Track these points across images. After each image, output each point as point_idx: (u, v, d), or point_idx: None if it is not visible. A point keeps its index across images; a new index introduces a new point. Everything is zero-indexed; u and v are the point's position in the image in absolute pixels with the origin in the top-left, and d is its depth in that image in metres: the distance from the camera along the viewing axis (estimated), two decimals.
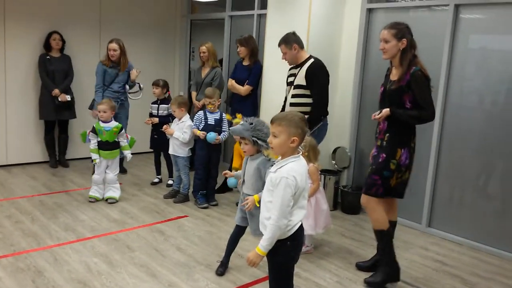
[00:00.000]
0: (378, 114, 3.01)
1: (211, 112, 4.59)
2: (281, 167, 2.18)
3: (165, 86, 5.22)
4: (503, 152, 3.77)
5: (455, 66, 3.99)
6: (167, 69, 7.04)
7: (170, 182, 5.24)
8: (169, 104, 4.94)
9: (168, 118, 5.05)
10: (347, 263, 3.52)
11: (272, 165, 2.84)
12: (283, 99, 4.12)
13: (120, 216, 4.27)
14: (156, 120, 5.11)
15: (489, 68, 3.83)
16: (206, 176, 4.66)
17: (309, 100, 3.82)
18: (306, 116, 3.84)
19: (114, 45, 5.30)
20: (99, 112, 4.53)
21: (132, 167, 5.88)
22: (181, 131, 4.63)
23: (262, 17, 5.69)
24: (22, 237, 3.67)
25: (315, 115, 3.82)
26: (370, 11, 4.63)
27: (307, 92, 3.81)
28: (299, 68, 3.87)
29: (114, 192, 4.65)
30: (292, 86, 3.89)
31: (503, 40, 3.79)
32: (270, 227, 2.13)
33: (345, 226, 4.33)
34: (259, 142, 2.90)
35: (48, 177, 5.45)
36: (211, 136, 4.42)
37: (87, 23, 6.15)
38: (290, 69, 4.05)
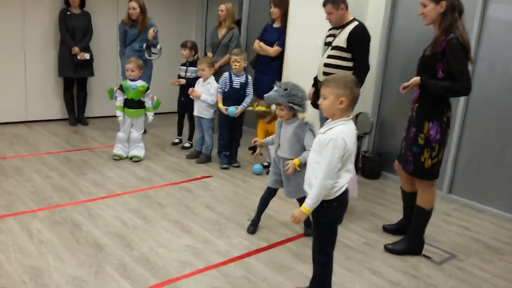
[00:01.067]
0: (406, 84, 2.92)
1: (237, 75, 4.59)
2: (330, 128, 2.20)
3: (193, 47, 5.16)
4: None
5: (484, 35, 3.96)
6: (184, 28, 6.96)
7: (187, 145, 5.25)
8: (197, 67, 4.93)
9: (195, 81, 4.95)
10: (373, 225, 3.61)
11: (310, 128, 2.89)
12: (319, 61, 4.09)
13: (146, 174, 4.34)
14: (183, 81, 5.09)
15: None
16: (229, 137, 4.71)
17: (345, 63, 3.76)
18: None
19: (133, 4, 5.26)
20: (127, 70, 4.52)
21: (152, 127, 5.91)
22: (207, 93, 4.63)
23: None
24: (53, 191, 3.74)
25: (361, 76, 3.73)
26: None
27: (345, 55, 3.74)
28: (340, 30, 3.79)
29: (138, 151, 4.69)
30: (330, 47, 3.84)
31: None
32: (316, 186, 2.17)
33: (367, 190, 4.39)
34: (295, 107, 2.89)
35: (69, 134, 5.49)
36: (231, 110, 4.49)
37: None
38: (330, 29, 3.97)
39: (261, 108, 4.34)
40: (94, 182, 4.01)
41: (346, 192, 2.30)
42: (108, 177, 4.18)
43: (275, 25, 5.05)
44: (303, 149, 2.99)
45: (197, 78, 4.95)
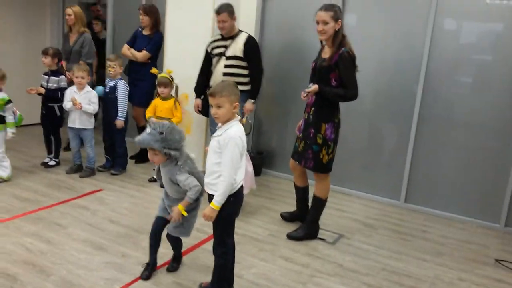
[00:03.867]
0: (307, 90, 3.30)
1: (111, 80, 4.62)
2: (226, 130, 2.43)
3: (56, 55, 4.74)
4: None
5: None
6: (38, 35, 6.45)
7: (52, 163, 4.86)
8: (60, 76, 4.69)
9: (57, 93, 4.69)
10: (270, 218, 3.98)
11: (179, 170, 2.69)
12: (201, 69, 4.32)
13: (28, 194, 4.02)
14: (42, 90, 4.69)
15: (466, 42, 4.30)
16: (111, 141, 4.78)
17: (243, 71, 4.07)
18: (245, 88, 4.16)
19: None
20: None
21: (16, 143, 5.38)
22: (87, 102, 4.47)
23: None
24: None
25: (258, 86, 4.14)
26: None
27: (242, 63, 4.04)
28: (230, 40, 4.05)
29: (1, 170, 4.28)
30: (225, 57, 4.05)
31: (379, 23, 4.54)
32: (222, 183, 2.40)
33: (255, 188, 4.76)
34: (172, 152, 2.57)
35: None
36: (99, 89, 4.61)
37: None
38: (214, 42, 4.19)
39: (164, 75, 4.40)
40: None
41: (241, 188, 2.57)
42: None
43: (144, 33, 5.08)
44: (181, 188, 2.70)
45: (59, 89, 4.69)
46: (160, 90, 4.41)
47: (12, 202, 3.82)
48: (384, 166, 4.64)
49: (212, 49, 4.24)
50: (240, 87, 4.08)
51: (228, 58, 4.09)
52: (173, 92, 4.51)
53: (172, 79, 4.44)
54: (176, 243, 2.94)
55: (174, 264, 2.99)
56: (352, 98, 3.29)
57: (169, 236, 2.88)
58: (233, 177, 2.41)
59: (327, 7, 3.23)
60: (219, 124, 2.49)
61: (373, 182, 4.70)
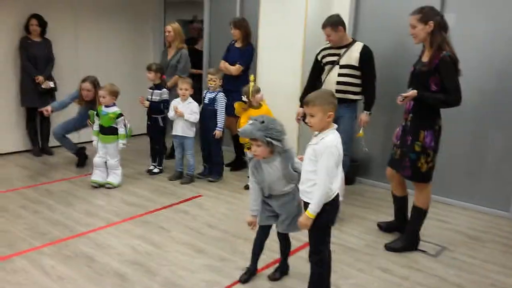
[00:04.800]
0: (404, 95, 3.18)
1: (210, 91, 4.82)
2: (322, 138, 2.42)
3: (159, 70, 5.07)
4: None
5: None
6: (142, 51, 6.96)
7: (156, 170, 5.16)
8: (162, 90, 5.00)
9: (160, 105, 5.01)
10: (366, 228, 3.88)
11: (292, 153, 2.74)
12: (309, 77, 4.31)
13: (135, 200, 4.33)
14: (147, 103, 5.05)
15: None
16: (209, 150, 5.00)
17: (356, 80, 4.00)
18: (358, 97, 4.11)
19: (87, 85, 5.02)
20: (100, 96, 4.52)
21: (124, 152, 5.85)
22: (190, 111, 4.74)
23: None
24: (50, 226, 3.65)
25: (374, 96, 4.07)
26: None
27: (356, 72, 3.97)
28: (345, 49, 4.00)
29: (113, 177, 4.64)
30: (338, 66, 4.01)
31: (484, 24, 4.24)
32: (318, 192, 2.39)
33: (345, 195, 4.67)
34: (274, 142, 2.55)
35: (39, 165, 5.31)
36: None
37: (62, 6, 5.93)
38: (325, 49, 4.15)
39: (251, 85, 4.45)
40: (86, 212, 3.96)
41: (337, 196, 2.53)
42: (99, 205, 4.13)
43: (237, 45, 5.26)
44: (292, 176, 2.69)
45: (161, 101, 4.99)
46: (258, 96, 4.44)
47: (121, 207, 4.13)
48: (491, 175, 4.31)
49: (323, 57, 4.17)
50: (353, 97, 4.12)
51: (342, 66, 4.03)
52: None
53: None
54: (287, 243, 2.95)
55: (277, 274, 2.99)
56: (454, 104, 3.12)
57: (280, 236, 2.91)
58: (328, 185, 2.40)
59: (416, 10, 3.16)
60: (315, 132, 2.50)
61: (479, 192, 4.38)
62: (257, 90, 4.47)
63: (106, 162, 4.63)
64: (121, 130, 4.61)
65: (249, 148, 4.43)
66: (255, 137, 2.56)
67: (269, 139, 2.53)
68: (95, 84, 5.02)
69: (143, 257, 3.20)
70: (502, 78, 4.15)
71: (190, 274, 2.99)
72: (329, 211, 2.50)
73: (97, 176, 4.62)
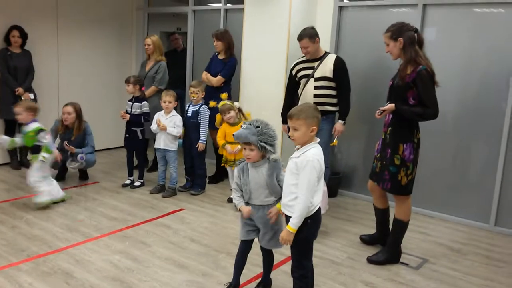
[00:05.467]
0: (382, 109, 3.23)
1: (193, 104, 4.80)
2: (304, 152, 2.43)
3: (137, 82, 5.00)
4: None
5: None
6: (125, 63, 6.92)
7: (137, 183, 5.10)
8: (143, 102, 4.96)
9: (140, 117, 4.96)
10: (348, 241, 3.88)
11: (281, 164, 2.76)
12: (286, 93, 4.37)
13: (116, 214, 4.26)
14: (127, 117, 4.98)
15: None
16: (191, 163, 4.98)
17: (331, 92, 4.08)
18: (335, 109, 4.17)
19: (69, 108, 4.89)
20: (17, 114, 4.34)
21: (102, 164, 5.79)
22: (172, 125, 4.71)
23: (228, 12, 5.86)
24: (28, 241, 3.57)
25: (348, 106, 4.13)
26: (341, 9, 4.99)
27: (331, 84, 4.04)
28: (318, 62, 4.07)
29: (36, 197, 4.23)
30: (313, 79, 4.07)
31: (464, 37, 4.34)
32: (299, 206, 2.39)
33: (330, 208, 4.68)
34: (267, 147, 2.59)
35: (17, 179, 5.20)
36: (180, 142, 4.87)
37: (44, 17, 5.87)
38: (299, 63, 4.22)
39: (223, 102, 4.49)
40: (66, 227, 3.88)
41: (319, 210, 2.54)
42: (78, 220, 4.06)
43: (220, 57, 5.27)
44: (275, 187, 2.70)
45: (142, 114, 4.95)
46: (226, 117, 4.48)
47: (101, 221, 4.07)
48: (471, 187, 4.37)
49: (298, 71, 4.23)
50: (330, 108, 4.18)
51: (317, 79, 4.08)
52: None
53: (232, 103, 4.53)
54: (270, 257, 2.93)
55: None
56: (431, 117, 3.15)
57: (263, 250, 2.88)
58: (309, 199, 2.40)
59: (387, 29, 3.24)
60: (298, 146, 2.50)
61: (460, 204, 4.43)
62: (228, 109, 4.47)
63: None
64: (45, 142, 4.29)
65: (230, 166, 4.48)
66: (250, 142, 2.59)
67: (263, 144, 2.58)
68: (77, 111, 4.93)
69: (123, 273, 3.14)
70: (483, 90, 4.23)
71: None
72: (311, 225, 2.50)
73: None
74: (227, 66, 5.18)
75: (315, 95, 4.08)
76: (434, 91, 3.14)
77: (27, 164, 5.60)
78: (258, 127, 2.60)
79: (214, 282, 3.07)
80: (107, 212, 4.30)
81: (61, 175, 5.21)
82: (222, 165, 4.74)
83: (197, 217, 4.27)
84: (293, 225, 2.42)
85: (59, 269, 3.15)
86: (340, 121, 4.16)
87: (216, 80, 5.13)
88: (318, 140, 2.51)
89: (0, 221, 3.93)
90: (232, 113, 4.47)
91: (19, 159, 5.69)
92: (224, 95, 4.69)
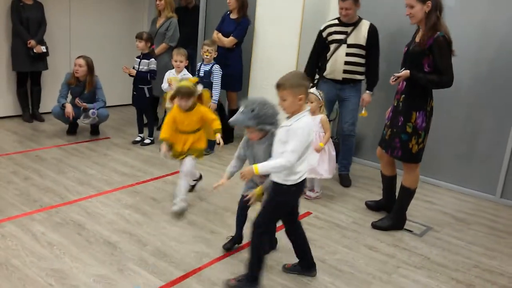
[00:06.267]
0: (397, 75, 3.16)
1: (205, 64, 4.76)
2: (296, 120, 2.38)
3: (149, 39, 5.02)
4: None
5: None
6: (136, 20, 6.85)
7: (147, 141, 5.17)
8: (150, 59, 4.94)
9: (146, 74, 4.97)
10: (354, 205, 3.94)
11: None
12: (311, 54, 4.23)
13: (127, 169, 4.33)
14: (134, 71, 4.96)
15: None
16: None
17: (362, 60, 3.98)
18: (363, 77, 4.11)
19: (80, 61, 4.96)
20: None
21: (113, 121, 5.84)
22: None
23: None
24: (40, 193, 3.65)
25: (377, 76, 4.07)
26: None
27: (362, 52, 3.95)
28: (352, 27, 3.94)
29: None
30: (345, 45, 3.95)
31: (484, 4, 4.22)
32: (279, 160, 2.36)
33: (336, 174, 4.72)
34: (267, 127, 2.57)
35: (29, 131, 5.27)
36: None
37: None
38: (331, 26, 4.07)
39: (187, 84, 3.38)
40: (78, 180, 3.96)
41: (304, 180, 2.52)
42: (90, 174, 4.13)
43: (232, 16, 5.17)
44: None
45: (149, 71, 4.95)
46: (183, 103, 3.37)
47: (112, 176, 4.14)
48: (479, 158, 4.37)
49: (329, 34, 4.09)
50: (359, 77, 4.13)
51: (350, 46, 3.98)
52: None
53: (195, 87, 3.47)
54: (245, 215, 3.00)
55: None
56: (446, 85, 3.11)
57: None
58: (291, 161, 2.34)
59: None
60: (288, 115, 2.46)
61: (467, 175, 4.45)
62: (188, 94, 3.34)
63: None
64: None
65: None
66: (249, 126, 2.58)
67: (261, 126, 2.55)
68: (89, 64, 4.97)
69: (133, 227, 3.23)
70: (499, 61, 4.15)
71: (180, 245, 3.03)
72: (293, 193, 2.50)
73: None
74: (240, 26, 5.09)
75: (346, 62, 4.00)
76: (450, 59, 3.08)
77: (39, 117, 5.69)
78: (253, 110, 2.53)
79: (222, 239, 3.14)
80: (118, 167, 4.37)
81: (72, 130, 5.27)
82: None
83: (206, 176, 4.31)
84: (259, 167, 2.39)
85: (71, 220, 3.24)
86: (368, 91, 4.11)
87: (228, 41, 5.07)
88: (308, 108, 2.48)
89: (13, 172, 4.01)
90: (190, 100, 3.40)
91: (31, 111, 5.73)
92: (193, 79, 3.63)
